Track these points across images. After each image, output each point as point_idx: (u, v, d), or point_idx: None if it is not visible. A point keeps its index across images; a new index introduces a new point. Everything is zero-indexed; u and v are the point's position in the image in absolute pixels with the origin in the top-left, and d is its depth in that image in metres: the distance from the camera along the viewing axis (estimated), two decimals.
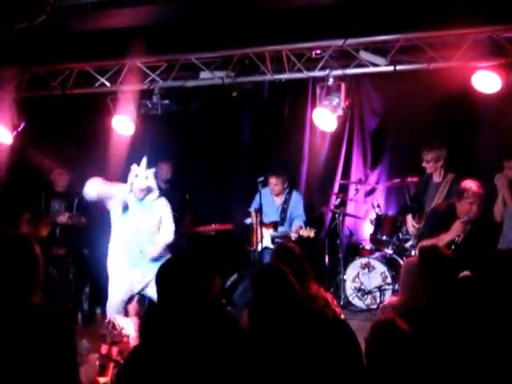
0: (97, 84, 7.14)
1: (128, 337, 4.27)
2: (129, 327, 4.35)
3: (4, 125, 7.17)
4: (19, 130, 7.30)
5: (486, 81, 5.90)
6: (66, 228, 7.45)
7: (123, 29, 6.34)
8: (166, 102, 7.03)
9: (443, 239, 5.32)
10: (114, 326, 4.24)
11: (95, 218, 7.48)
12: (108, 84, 7.09)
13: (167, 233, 6.27)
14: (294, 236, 7.12)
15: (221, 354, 2.86)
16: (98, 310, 7.77)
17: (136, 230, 6.21)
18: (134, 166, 6.21)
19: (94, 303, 7.78)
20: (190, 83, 6.91)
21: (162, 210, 6.30)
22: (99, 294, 7.76)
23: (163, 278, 3.12)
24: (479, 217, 5.41)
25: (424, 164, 6.68)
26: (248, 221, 7.81)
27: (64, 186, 7.68)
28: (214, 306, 3.92)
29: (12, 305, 2.77)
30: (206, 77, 6.80)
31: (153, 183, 6.23)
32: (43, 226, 7.38)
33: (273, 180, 7.46)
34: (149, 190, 6.21)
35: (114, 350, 4.04)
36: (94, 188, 6.16)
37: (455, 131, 7.27)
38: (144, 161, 6.17)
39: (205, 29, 6.34)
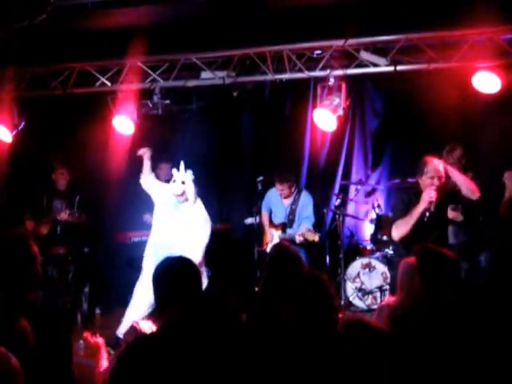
0: (97, 83, 7.15)
1: None
2: (151, 330, 4.32)
3: (4, 124, 7.19)
4: (19, 129, 7.31)
5: (486, 81, 5.94)
6: (67, 226, 7.46)
7: (124, 28, 6.33)
8: (167, 101, 7.04)
9: (415, 211, 5.16)
10: (136, 331, 4.21)
11: (96, 217, 7.51)
12: (109, 83, 7.10)
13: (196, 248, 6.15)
14: (298, 239, 6.96)
15: (222, 353, 2.84)
16: (98, 311, 7.79)
17: (169, 234, 6.25)
18: (174, 171, 6.23)
19: (93, 303, 7.79)
20: (191, 83, 6.91)
21: (194, 219, 6.28)
22: (99, 294, 7.80)
23: (162, 277, 3.07)
24: (449, 189, 5.33)
25: None
26: (248, 221, 7.81)
27: (65, 185, 7.69)
28: (216, 304, 3.89)
29: (9, 303, 2.78)
30: (207, 77, 6.81)
31: (190, 187, 6.23)
32: (44, 225, 7.40)
33: (277, 186, 7.30)
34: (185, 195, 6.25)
35: None
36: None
37: (456, 131, 7.28)
38: (182, 165, 6.17)
39: (206, 29, 6.35)
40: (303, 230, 7.04)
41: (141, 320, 4.97)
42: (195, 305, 2.98)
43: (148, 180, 6.49)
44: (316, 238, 6.94)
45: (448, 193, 5.34)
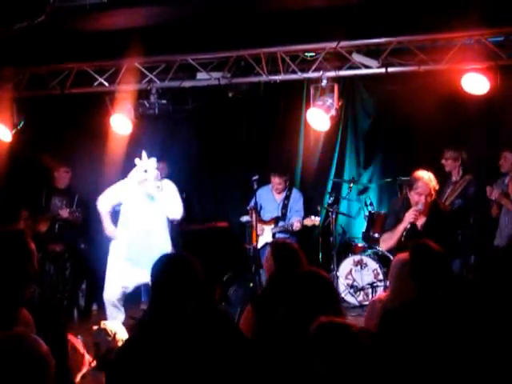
0: (95, 84, 7.23)
1: (123, 341, 4.27)
2: (121, 331, 4.35)
3: (3, 123, 7.26)
4: (18, 128, 7.38)
5: (475, 83, 6.05)
6: (65, 224, 7.58)
7: (121, 30, 6.38)
8: (163, 101, 7.12)
9: (398, 229, 5.34)
10: (106, 333, 4.25)
11: (93, 215, 7.58)
12: (106, 84, 7.18)
13: (174, 211, 6.53)
14: (296, 226, 7.23)
15: (215, 353, 2.87)
16: (95, 307, 7.87)
17: (143, 221, 6.43)
18: (137, 160, 6.39)
19: (90, 299, 7.90)
20: (187, 83, 7.02)
21: (167, 191, 6.56)
22: (95, 291, 7.89)
23: (158, 273, 3.07)
24: (433, 208, 5.37)
25: (443, 161, 6.87)
26: (244, 219, 7.91)
27: (66, 183, 7.80)
28: (211, 304, 3.94)
29: (4, 299, 2.81)
30: (203, 77, 6.91)
31: (152, 175, 6.47)
32: (42, 222, 7.51)
33: (276, 179, 7.56)
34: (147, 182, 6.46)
35: None
36: (106, 202, 6.56)
37: (445, 131, 7.41)
38: (144, 154, 6.40)
39: (202, 31, 6.42)
40: (296, 219, 7.32)
41: (108, 321, 5.02)
42: (195, 302, 2.99)
43: (111, 196, 6.67)
44: (316, 221, 7.23)
45: (438, 212, 5.40)
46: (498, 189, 6.33)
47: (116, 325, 4.45)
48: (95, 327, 4.50)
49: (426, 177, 5.32)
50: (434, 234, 5.08)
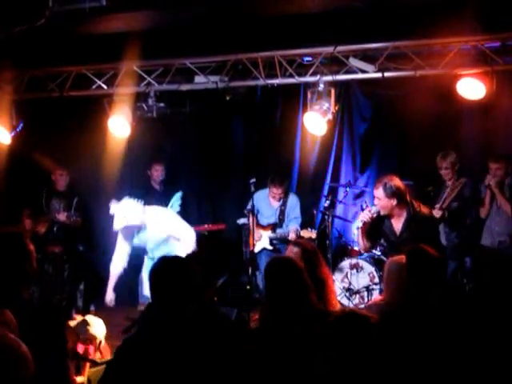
0: (94, 86, 7.27)
1: (100, 336, 4.41)
2: (100, 326, 4.48)
3: (3, 125, 7.29)
4: (17, 130, 7.42)
5: (470, 88, 6.09)
6: (64, 226, 7.62)
7: (120, 33, 6.42)
8: (161, 104, 7.16)
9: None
10: (86, 323, 4.38)
11: (92, 217, 7.63)
12: (105, 87, 7.22)
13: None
14: (292, 236, 7.22)
15: (212, 353, 2.90)
16: (92, 307, 7.91)
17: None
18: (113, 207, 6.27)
19: (88, 300, 7.94)
20: (185, 87, 7.05)
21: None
22: (93, 292, 7.94)
23: (157, 275, 3.11)
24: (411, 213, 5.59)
25: (441, 172, 6.85)
26: (240, 221, 7.93)
27: (64, 185, 7.85)
28: (208, 305, 3.96)
29: (2, 299, 2.83)
30: (201, 81, 6.94)
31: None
32: (42, 223, 7.54)
33: (275, 190, 7.58)
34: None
35: (91, 348, 4.18)
36: (118, 264, 6.42)
37: (440, 135, 7.45)
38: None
39: (200, 34, 6.46)
40: (293, 228, 7.35)
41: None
42: (191, 305, 3.03)
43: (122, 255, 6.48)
44: (313, 235, 7.23)
45: (415, 217, 5.59)
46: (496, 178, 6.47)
47: (97, 320, 4.56)
48: (79, 319, 4.65)
49: (377, 184, 5.55)
50: (410, 238, 5.33)
